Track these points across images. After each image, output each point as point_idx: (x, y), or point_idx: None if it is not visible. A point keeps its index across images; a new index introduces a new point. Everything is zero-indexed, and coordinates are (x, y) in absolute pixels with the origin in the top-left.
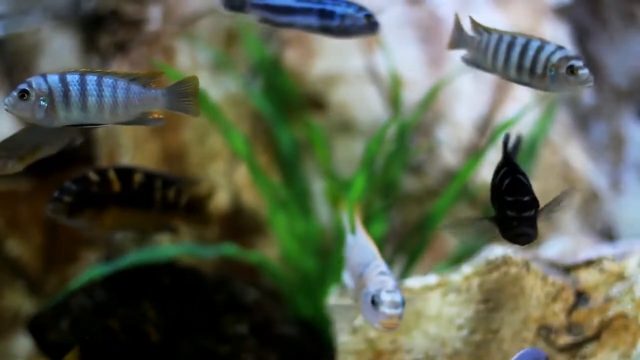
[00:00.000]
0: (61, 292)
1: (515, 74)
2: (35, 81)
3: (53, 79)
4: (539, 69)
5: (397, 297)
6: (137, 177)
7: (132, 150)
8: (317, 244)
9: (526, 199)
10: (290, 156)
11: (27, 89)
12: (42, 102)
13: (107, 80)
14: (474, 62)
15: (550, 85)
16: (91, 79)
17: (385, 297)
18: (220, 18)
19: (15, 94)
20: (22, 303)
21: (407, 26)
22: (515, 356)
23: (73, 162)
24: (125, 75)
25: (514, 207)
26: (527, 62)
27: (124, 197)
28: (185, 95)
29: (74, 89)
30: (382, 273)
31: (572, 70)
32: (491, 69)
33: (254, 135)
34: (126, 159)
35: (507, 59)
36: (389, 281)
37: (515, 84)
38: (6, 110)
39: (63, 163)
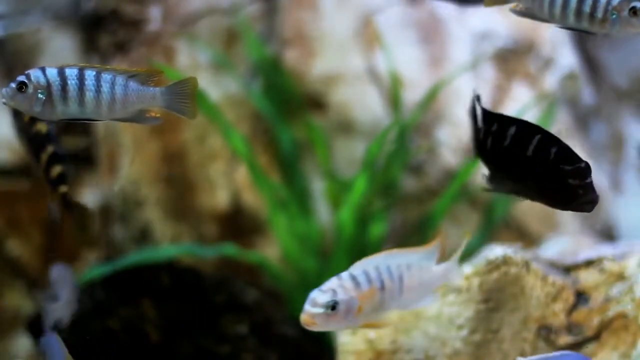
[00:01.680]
0: None
1: (574, 20)
2: (34, 74)
3: (52, 72)
4: (599, 13)
5: (322, 298)
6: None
7: (132, 150)
8: (317, 244)
9: (584, 165)
10: (290, 156)
11: (25, 81)
12: (40, 95)
13: (106, 76)
14: (526, 13)
15: (612, 29)
16: (90, 74)
17: (312, 294)
18: (220, 18)
19: (13, 85)
20: (22, 303)
21: (407, 26)
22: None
23: (73, 163)
24: (124, 71)
25: (576, 176)
26: (587, 7)
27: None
28: (183, 95)
29: (72, 83)
30: (338, 275)
31: (634, 11)
32: (547, 18)
33: (254, 135)
34: (126, 159)
35: (565, 5)
36: (332, 281)
37: (573, 31)
38: (3, 102)
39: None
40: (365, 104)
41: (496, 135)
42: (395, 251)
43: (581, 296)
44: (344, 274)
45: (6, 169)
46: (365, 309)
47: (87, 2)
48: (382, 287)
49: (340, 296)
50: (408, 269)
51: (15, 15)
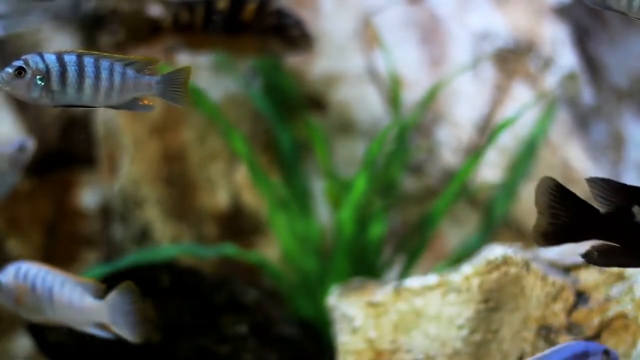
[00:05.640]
0: None
1: None
2: (32, 59)
3: (50, 58)
4: None
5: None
6: None
7: (132, 150)
8: (317, 244)
9: None
10: (290, 156)
11: (23, 66)
12: (38, 81)
13: (104, 63)
14: (600, 4)
15: None
16: (89, 60)
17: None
18: None
19: (10, 70)
20: None
21: (407, 26)
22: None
23: (73, 163)
24: (121, 59)
25: None
26: None
27: None
28: (178, 84)
29: (71, 70)
30: (15, 264)
31: None
32: (625, 8)
33: (254, 135)
34: (126, 159)
35: None
36: (14, 265)
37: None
38: None
39: (63, 163)
40: (365, 104)
41: None
42: (58, 271)
43: (581, 296)
44: (17, 265)
45: None
46: (24, 302)
47: (87, 2)
48: (34, 290)
49: (4, 279)
50: (61, 285)
51: (15, 15)
